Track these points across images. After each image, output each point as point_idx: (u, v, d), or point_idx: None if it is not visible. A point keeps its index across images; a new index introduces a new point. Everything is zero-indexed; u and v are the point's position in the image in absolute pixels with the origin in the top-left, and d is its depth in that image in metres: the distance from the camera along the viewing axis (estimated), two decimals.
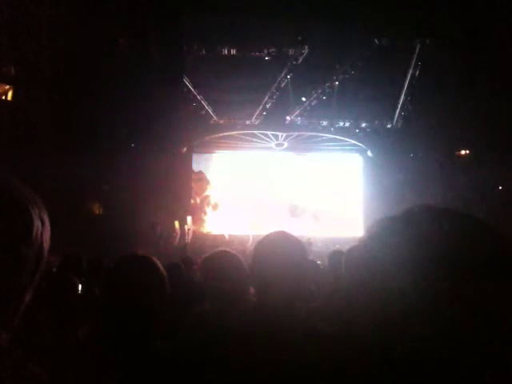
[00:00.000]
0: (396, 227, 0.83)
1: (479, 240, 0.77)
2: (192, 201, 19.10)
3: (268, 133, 19.03)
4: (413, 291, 0.74)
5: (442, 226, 0.79)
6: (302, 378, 1.52)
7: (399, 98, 17.72)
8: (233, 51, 15.98)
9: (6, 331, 0.83)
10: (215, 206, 19.18)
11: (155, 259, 1.96)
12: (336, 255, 4.00)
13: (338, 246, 16.89)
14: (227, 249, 2.89)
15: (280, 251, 1.75)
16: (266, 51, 16.16)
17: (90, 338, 1.87)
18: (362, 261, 0.86)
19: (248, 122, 18.60)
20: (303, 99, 17.94)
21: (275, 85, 17.44)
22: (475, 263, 0.74)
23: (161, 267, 1.93)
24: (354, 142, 19.13)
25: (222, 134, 18.82)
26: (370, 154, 19.45)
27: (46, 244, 0.89)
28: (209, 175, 19.50)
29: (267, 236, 1.85)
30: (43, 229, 0.87)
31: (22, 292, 0.85)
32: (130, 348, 1.75)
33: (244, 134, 18.90)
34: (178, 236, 17.05)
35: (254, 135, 18.97)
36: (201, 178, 19.37)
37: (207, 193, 19.36)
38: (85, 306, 2.56)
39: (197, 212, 18.88)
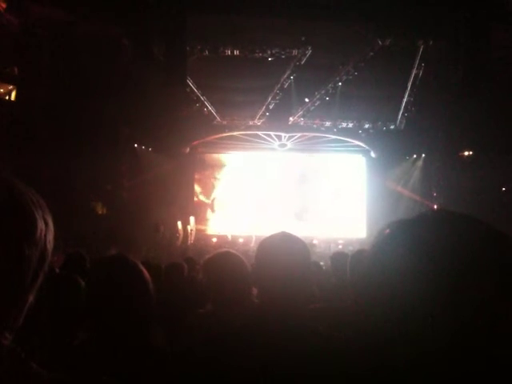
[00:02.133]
0: (408, 231, 0.83)
1: (492, 246, 0.77)
2: (195, 198, 19.12)
3: (271, 133, 19.02)
4: (418, 295, 0.74)
5: (456, 231, 0.79)
6: (301, 380, 1.52)
7: (402, 98, 17.70)
8: (236, 52, 15.97)
9: (9, 331, 0.84)
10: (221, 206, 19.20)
11: (130, 258, 1.95)
12: (338, 256, 4.00)
13: (340, 246, 16.91)
14: (230, 249, 2.89)
15: (283, 252, 1.75)
16: (269, 52, 16.15)
17: (89, 338, 1.88)
18: (372, 264, 0.85)
19: (251, 123, 18.60)
20: (306, 100, 17.93)
21: (278, 85, 17.44)
22: (487, 269, 0.74)
23: (137, 266, 1.91)
24: (357, 142, 19.11)
25: (224, 135, 18.82)
26: (373, 154, 19.43)
27: (50, 245, 0.89)
28: (211, 175, 19.51)
29: (270, 237, 1.84)
30: (47, 230, 0.88)
31: (26, 293, 0.86)
32: (125, 348, 1.75)
33: (247, 135, 18.89)
34: (181, 236, 17.06)
35: (257, 136, 18.96)
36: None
37: (214, 193, 19.37)
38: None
39: (201, 212, 18.90)
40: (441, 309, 0.73)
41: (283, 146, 19.30)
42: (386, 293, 0.78)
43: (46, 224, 0.88)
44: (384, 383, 0.79)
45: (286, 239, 1.82)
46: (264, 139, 19.14)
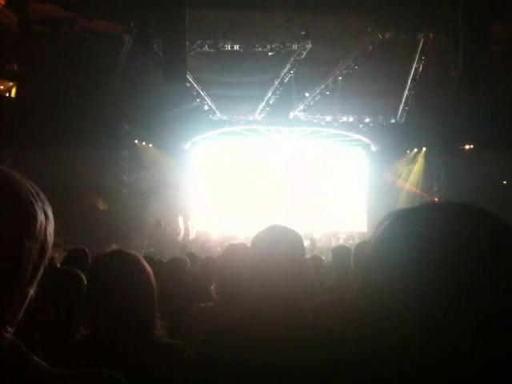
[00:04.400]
0: (408, 222, 0.81)
1: (496, 237, 0.75)
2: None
3: (271, 128, 19.00)
4: (417, 289, 0.73)
5: (458, 221, 0.77)
6: (302, 373, 1.52)
7: (403, 92, 17.65)
8: (235, 47, 15.91)
9: (10, 325, 0.84)
10: None
11: (132, 252, 1.95)
12: (339, 250, 4.00)
13: (341, 240, 16.92)
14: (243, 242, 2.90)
15: (276, 244, 1.76)
16: (268, 46, 16.08)
17: (91, 333, 1.89)
18: (371, 256, 0.84)
19: (251, 118, 18.56)
20: (306, 95, 17.88)
21: (278, 80, 17.38)
22: (491, 262, 0.72)
23: (139, 260, 1.91)
24: (357, 137, 19.08)
25: (225, 130, 18.81)
26: (373, 148, 19.41)
27: (50, 238, 0.89)
28: (211, 171, 19.48)
29: (264, 230, 1.85)
30: (47, 223, 0.88)
31: (26, 286, 0.86)
32: (127, 342, 1.76)
33: (247, 130, 18.88)
34: (182, 232, 17.07)
35: (258, 131, 18.95)
36: None
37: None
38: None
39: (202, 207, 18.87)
40: (441, 303, 0.71)
41: (283, 140, 19.28)
42: (386, 286, 0.77)
43: (46, 217, 0.88)
44: (382, 381, 0.79)
45: (279, 231, 1.83)
46: (264, 134, 19.12)
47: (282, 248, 1.74)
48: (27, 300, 0.87)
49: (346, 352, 1.55)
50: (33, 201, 0.85)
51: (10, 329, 0.84)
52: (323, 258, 6.67)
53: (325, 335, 1.69)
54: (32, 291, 0.88)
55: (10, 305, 0.84)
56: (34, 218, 0.84)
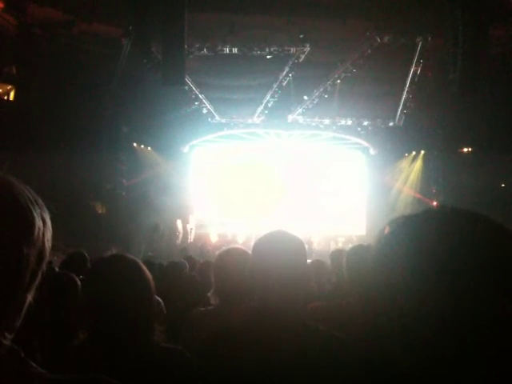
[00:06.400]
0: (411, 228, 0.81)
1: (496, 245, 0.75)
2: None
3: (270, 131, 19.02)
4: (419, 295, 0.73)
5: (459, 228, 0.77)
6: (301, 378, 1.52)
7: (401, 95, 17.67)
8: (234, 50, 15.94)
9: (9, 331, 0.84)
10: None
11: (130, 256, 1.95)
12: (337, 254, 3.99)
13: (340, 244, 16.91)
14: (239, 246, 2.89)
15: (278, 250, 1.75)
16: (267, 50, 16.10)
17: (89, 338, 1.88)
18: (374, 262, 0.84)
19: (250, 121, 18.58)
20: (305, 98, 17.90)
21: (277, 83, 17.40)
22: (492, 269, 0.72)
23: (138, 264, 1.91)
24: (356, 140, 19.10)
25: (223, 133, 18.82)
26: (372, 151, 19.42)
27: (48, 244, 0.89)
28: (210, 174, 19.49)
29: (266, 235, 1.84)
30: (45, 229, 0.88)
31: (24, 292, 0.86)
32: (126, 346, 1.75)
33: (246, 133, 18.90)
34: (181, 235, 17.07)
35: (256, 134, 18.97)
36: None
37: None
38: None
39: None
40: (443, 309, 0.72)
41: (282, 143, 19.29)
42: (388, 291, 0.77)
43: (44, 222, 0.88)
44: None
45: (281, 237, 1.82)
46: (263, 137, 19.14)
47: (284, 254, 1.73)
48: (25, 306, 0.87)
49: (347, 357, 1.55)
50: (31, 207, 0.85)
51: (8, 335, 0.83)
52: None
53: (325, 340, 1.69)
54: (30, 297, 0.88)
55: (9, 311, 0.83)
56: (32, 224, 0.84)
